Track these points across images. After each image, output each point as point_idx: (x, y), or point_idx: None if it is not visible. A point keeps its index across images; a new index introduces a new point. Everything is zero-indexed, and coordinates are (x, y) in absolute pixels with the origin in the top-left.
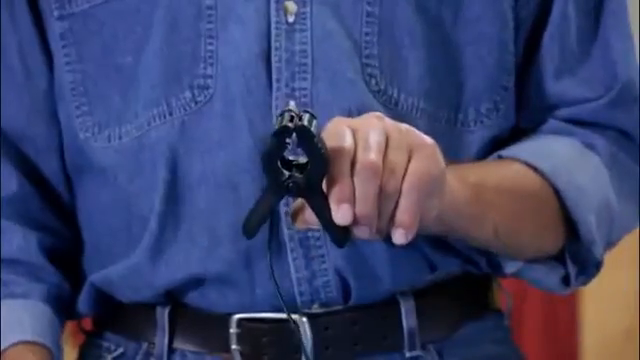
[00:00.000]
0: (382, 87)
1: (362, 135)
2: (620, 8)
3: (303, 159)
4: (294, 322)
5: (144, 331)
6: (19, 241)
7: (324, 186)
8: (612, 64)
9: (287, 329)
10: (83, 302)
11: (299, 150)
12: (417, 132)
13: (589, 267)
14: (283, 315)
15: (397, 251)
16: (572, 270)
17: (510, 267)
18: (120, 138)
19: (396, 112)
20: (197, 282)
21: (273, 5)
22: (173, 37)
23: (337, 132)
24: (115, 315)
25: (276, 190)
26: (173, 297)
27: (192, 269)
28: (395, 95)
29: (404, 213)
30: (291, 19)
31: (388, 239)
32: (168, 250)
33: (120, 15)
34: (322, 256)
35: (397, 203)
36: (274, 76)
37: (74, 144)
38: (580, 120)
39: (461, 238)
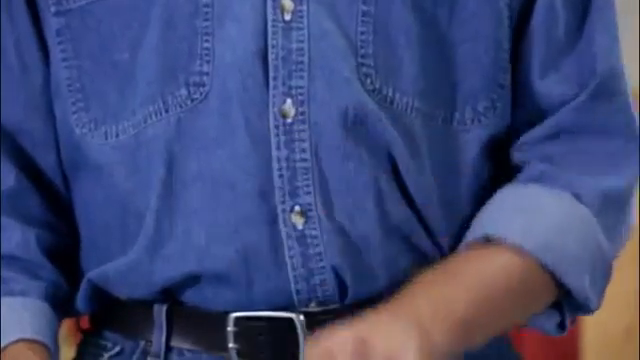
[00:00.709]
0: (377, 86)
1: None
2: (607, 4)
3: None
4: (291, 320)
5: (142, 329)
6: (18, 238)
7: None
8: (592, 58)
9: (284, 327)
10: (81, 299)
11: None
12: (395, 336)
13: (585, 312)
14: (280, 313)
15: (394, 249)
16: (568, 316)
17: None
18: (117, 135)
19: (391, 111)
20: (194, 280)
21: (270, 3)
22: (169, 34)
23: None
24: (112, 313)
25: None
26: (170, 295)
27: (189, 267)
28: (390, 94)
29: None
30: (288, 17)
31: None
32: (165, 247)
33: (117, 11)
34: (319, 254)
35: None
36: (271, 74)
37: (70, 140)
38: (565, 129)
39: None
